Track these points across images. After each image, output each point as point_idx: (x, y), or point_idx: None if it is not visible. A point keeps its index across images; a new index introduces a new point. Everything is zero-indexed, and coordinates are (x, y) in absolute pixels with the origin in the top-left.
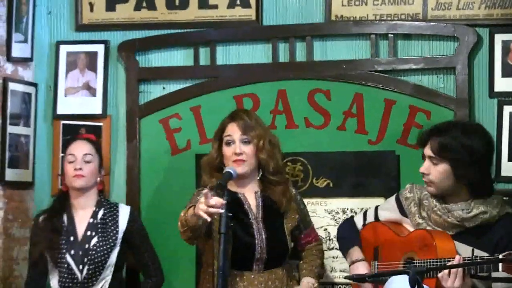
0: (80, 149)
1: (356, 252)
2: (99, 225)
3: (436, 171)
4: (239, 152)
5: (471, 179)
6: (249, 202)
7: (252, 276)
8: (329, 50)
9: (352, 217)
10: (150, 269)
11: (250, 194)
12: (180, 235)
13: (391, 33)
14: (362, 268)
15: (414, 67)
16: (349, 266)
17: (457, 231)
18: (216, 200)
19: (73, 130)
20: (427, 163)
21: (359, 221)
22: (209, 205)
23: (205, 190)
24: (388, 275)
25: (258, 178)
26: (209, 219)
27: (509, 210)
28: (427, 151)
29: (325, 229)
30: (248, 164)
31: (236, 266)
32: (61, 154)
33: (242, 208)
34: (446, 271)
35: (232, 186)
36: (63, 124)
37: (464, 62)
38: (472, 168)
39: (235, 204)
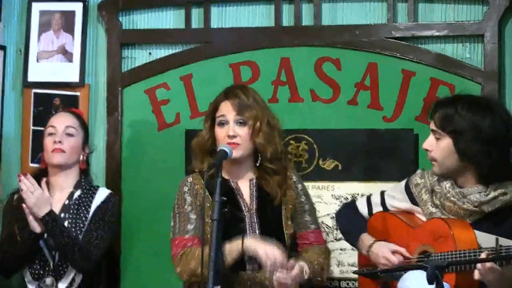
0: (63, 120)
1: (367, 236)
2: (72, 207)
3: (438, 147)
4: (232, 134)
5: (475, 158)
6: (241, 192)
7: (246, 276)
8: (340, 13)
9: (353, 201)
10: (82, 245)
11: (244, 183)
12: (175, 269)
13: None
14: (385, 249)
15: (436, 34)
16: (367, 252)
17: (475, 218)
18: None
19: (46, 100)
20: (430, 138)
21: (363, 208)
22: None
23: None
24: (403, 270)
25: (258, 164)
26: None
27: None
28: (431, 124)
29: (332, 217)
30: (242, 147)
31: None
32: (31, 127)
33: (234, 199)
34: (487, 264)
35: (224, 173)
36: (35, 93)
37: (494, 29)
38: (477, 145)
39: (226, 194)
